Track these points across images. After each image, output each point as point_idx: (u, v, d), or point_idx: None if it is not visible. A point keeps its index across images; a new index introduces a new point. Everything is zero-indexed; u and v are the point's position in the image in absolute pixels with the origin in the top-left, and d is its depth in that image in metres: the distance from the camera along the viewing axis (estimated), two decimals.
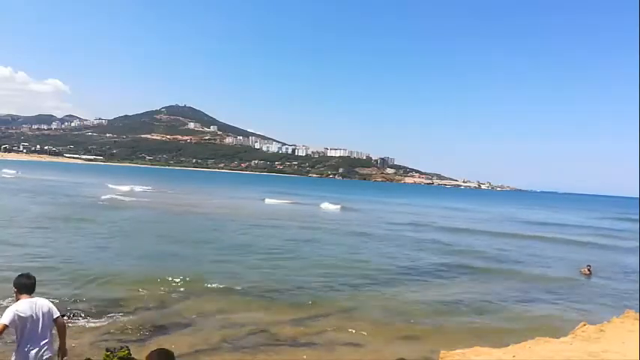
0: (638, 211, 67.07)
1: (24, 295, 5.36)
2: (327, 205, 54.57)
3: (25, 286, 5.39)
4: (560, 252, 29.07)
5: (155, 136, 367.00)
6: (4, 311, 5.30)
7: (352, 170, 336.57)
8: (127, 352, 7.88)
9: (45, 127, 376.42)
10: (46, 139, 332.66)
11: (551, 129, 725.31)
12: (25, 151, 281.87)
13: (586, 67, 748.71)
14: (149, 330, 10.21)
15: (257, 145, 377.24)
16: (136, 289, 13.25)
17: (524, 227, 45.50)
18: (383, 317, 12.55)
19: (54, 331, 5.68)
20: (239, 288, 14.44)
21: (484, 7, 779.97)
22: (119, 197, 45.81)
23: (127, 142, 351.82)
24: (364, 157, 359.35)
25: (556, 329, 11.70)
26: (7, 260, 15.37)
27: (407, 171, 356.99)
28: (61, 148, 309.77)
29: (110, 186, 59.83)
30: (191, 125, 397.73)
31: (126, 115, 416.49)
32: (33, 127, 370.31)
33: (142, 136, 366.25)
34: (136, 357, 7.69)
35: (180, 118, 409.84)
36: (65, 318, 10.31)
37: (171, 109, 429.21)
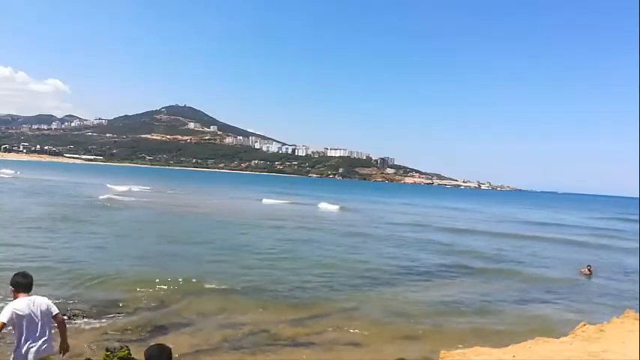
0: (638, 211, 67.11)
1: (21, 294, 5.35)
2: (325, 206, 54.53)
3: (22, 284, 5.39)
4: (560, 252, 29.07)
5: (155, 136, 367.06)
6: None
7: (352, 170, 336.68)
8: (127, 352, 7.88)
9: (45, 127, 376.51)
10: (46, 139, 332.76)
11: (551, 129, 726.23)
12: (25, 151, 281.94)
13: (586, 67, 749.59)
14: (149, 330, 10.21)
15: (257, 145, 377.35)
16: (135, 289, 13.25)
17: (524, 227, 45.50)
18: (383, 317, 12.55)
19: (54, 330, 5.69)
20: (239, 288, 14.44)
21: (484, 7, 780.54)
22: (117, 197, 45.79)
23: (127, 142, 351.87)
24: (364, 157, 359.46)
25: (556, 329, 11.71)
26: (5, 260, 15.36)
27: (407, 171, 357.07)
28: (61, 148, 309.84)
29: (108, 186, 59.83)
30: (191, 125, 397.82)
31: (126, 115, 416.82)
32: (33, 127, 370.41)
33: (142, 136, 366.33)
34: (135, 357, 7.68)
35: (180, 118, 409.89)
36: (65, 318, 10.33)
37: (171, 109, 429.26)
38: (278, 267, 18.15)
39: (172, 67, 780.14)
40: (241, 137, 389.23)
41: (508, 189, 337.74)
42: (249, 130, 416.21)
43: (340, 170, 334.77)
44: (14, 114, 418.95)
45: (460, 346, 9.39)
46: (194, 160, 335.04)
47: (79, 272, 14.73)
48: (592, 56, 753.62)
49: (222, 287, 14.30)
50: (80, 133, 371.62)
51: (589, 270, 21.43)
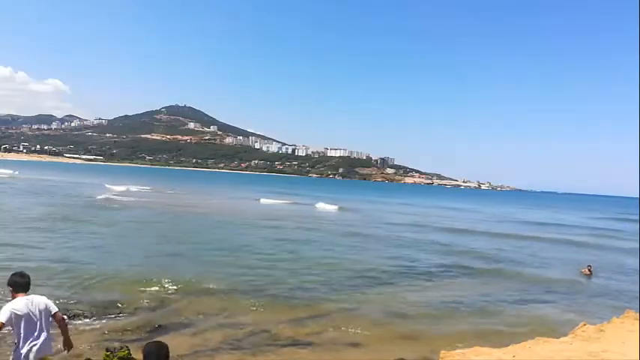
0: (638, 211, 67.12)
1: (20, 294, 5.34)
2: (325, 206, 54.48)
3: (20, 284, 5.38)
4: (560, 252, 29.07)
5: (155, 136, 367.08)
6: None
7: (352, 170, 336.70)
8: (127, 352, 7.88)
9: (45, 127, 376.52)
10: (46, 139, 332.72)
11: (551, 129, 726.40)
12: (25, 151, 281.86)
13: (586, 67, 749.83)
14: (149, 330, 10.20)
15: (257, 145, 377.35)
16: (135, 289, 13.25)
17: (523, 227, 45.50)
18: (383, 317, 12.56)
19: (53, 330, 5.68)
20: (239, 288, 14.44)
21: (484, 7, 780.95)
22: (115, 197, 45.80)
23: (127, 142, 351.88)
24: (364, 157, 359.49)
25: (556, 329, 11.71)
26: (4, 260, 15.36)
27: (407, 171, 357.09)
28: (61, 148, 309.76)
29: (107, 186, 59.86)
30: (191, 125, 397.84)
31: (126, 115, 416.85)
32: (33, 127, 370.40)
33: (142, 136, 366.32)
34: (135, 357, 7.69)
35: (180, 118, 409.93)
36: (65, 318, 10.34)
37: (171, 109, 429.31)
38: (277, 267, 18.15)
39: (172, 67, 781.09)
40: (241, 137, 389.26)
41: (508, 189, 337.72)
42: (249, 130, 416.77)
43: (340, 170, 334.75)
44: (14, 114, 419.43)
45: (460, 346, 9.39)
46: (194, 160, 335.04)
47: (79, 272, 14.73)
48: (592, 56, 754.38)
49: (222, 287, 14.30)
50: (80, 133, 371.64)
51: (589, 270, 21.43)
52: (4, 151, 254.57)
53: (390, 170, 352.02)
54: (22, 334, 5.18)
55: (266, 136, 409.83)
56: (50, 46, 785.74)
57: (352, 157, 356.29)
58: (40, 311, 5.33)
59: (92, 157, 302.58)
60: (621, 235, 43.00)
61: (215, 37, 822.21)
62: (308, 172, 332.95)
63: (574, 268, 22.62)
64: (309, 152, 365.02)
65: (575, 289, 18.20)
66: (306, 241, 25.95)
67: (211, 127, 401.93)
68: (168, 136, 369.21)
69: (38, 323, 5.29)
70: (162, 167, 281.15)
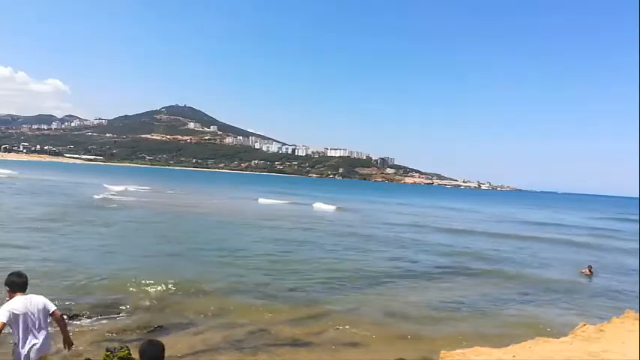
0: (638, 212, 67.12)
1: (17, 294, 5.36)
2: (324, 206, 54.45)
3: (17, 284, 5.39)
4: (561, 252, 29.06)
5: (155, 136, 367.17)
6: None
7: (352, 170, 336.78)
8: (126, 352, 7.88)
9: (45, 127, 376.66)
10: (46, 139, 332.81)
11: (551, 129, 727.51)
12: (25, 151, 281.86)
13: (586, 67, 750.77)
14: (149, 330, 10.20)
15: (257, 145, 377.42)
16: (135, 289, 13.24)
17: (524, 228, 45.49)
18: (383, 317, 12.55)
19: (52, 329, 5.69)
20: (238, 288, 14.44)
21: (484, 7, 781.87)
22: (113, 197, 45.82)
23: (127, 142, 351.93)
24: (364, 157, 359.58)
25: (556, 329, 11.72)
26: (2, 260, 15.36)
27: (407, 171, 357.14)
28: (61, 148, 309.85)
29: (105, 186, 59.90)
30: (191, 125, 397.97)
31: (126, 115, 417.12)
32: (33, 127, 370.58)
33: (142, 136, 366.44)
34: (135, 357, 7.69)
35: (180, 118, 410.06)
36: (65, 318, 10.33)
37: (171, 109, 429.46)
38: (277, 267, 18.14)
39: (172, 67, 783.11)
40: (241, 137, 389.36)
41: (508, 189, 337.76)
42: (249, 130, 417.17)
43: (340, 170, 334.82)
44: (14, 114, 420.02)
45: (460, 346, 9.39)
46: (194, 160, 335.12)
47: (78, 272, 14.73)
48: (592, 56, 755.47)
49: (222, 287, 14.30)
50: (80, 133, 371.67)
51: (590, 270, 21.42)
52: (4, 151, 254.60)
53: (390, 170, 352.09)
54: (21, 334, 5.18)
55: (266, 136, 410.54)
56: (50, 46, 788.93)
57: (352, 157, 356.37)
58: (38, 310, 5.34)
59: (92, 157, 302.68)
60: (621, 236, 42.99)
61: (215, 37, 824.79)
62: (308, 172, 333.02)
63: (574, 269, 22.61)
64: (309, 152, 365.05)
65: (575, 290, 18.19)
66: (306, 242, 25.95)
67: (211, 127, 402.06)
68: (168, 136, 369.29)
69: (37, 322, 5.30)
70: (163, 167, 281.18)
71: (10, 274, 5.49)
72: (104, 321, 10.61)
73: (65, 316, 10.28)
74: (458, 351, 8.52)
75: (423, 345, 10.51)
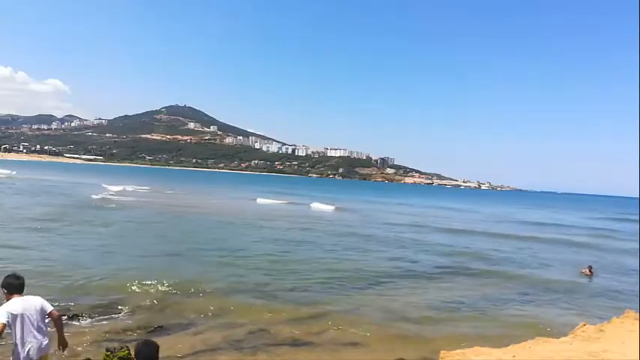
0: (638, 212, 67.13)
1: (15, 295, 5.39)
2: (324, 206, 54.42)
3: (14, 286, 5.42)
4: (560, 253, 29.06)
5: (155, 136, 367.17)
6: None
7: (352, 170, 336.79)
8: (126, 352, 7.88)
9: (45, 127, 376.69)
10: (46, 139, 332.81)
11: (551, 129, 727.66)
12: (25, 151, 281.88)
13: (586, 67, 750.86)
14: (149, 330, 10.20)
15: (257, 145, 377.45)
16: (135, 289, 13.24)
17: (524, 228, 45.49)
18: (382, 317, 12.55)
19: (50, 329, 5.70)
20: (239, 288, 14.44)
21: (484, 7, 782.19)
22: (111, 197, 45.85)
23: (127, 142, 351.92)
24: (364, 157, 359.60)
25: (556, 329, 11.72)
26: (2, 261, 15.36)
27: (407, 171, 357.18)
28: (61, 148, 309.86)
29: (104, 185, 59.92)
30: (191, 125, 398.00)
31: (126, 115, 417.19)
32: (33, 127, 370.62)
33: (142, 136, 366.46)
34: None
35: (180, 118, 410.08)
36: (65, 318, 10.34)
37: (171, 109, 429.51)
38: (276, 267, 18.14)
39: (172, 67, 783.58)
40: (241, 137, 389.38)
41: (508, 189, 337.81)
42: (249, 130, 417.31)
43: (340, 170, 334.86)
44: (14, 114, 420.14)
45: (460, 345, 9.38)
46: (194, 160, 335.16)
47: (78, 272, 14.73)
48: (592, 56, 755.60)
49: (222, 287, 14.31)
50: (80, 133, 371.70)
51: (590, 270, 21.42)
52: (4, 151, 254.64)
53: (390, 170, 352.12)
54: (19, 335, 5.21)
55: (266, 136, 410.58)
56: (50, 46, 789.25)
57: (352, 157, 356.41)
58: (36, 311, 5.37)
59: (92, 157, 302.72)
60: (621, 236, 43.00)
61: (215, 37, 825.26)
62: (308, 172, 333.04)
63: (574, 269, 22.62)
64: (309, 152, 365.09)
65: (576, 290, 18.18)
66: (305, 242, 25.95)
67: (211, 127, 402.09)
68: (168, 136, 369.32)
69: (35, 323, 5.33)
70: (163, 167, 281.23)
71: (7, 277, 5.53)
72: (104, 321, 10.61)
73: (65, 317, 10.34)
74: (458, 351, 8.52)
75: (423, 345, 10.51)
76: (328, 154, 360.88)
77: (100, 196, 45.64)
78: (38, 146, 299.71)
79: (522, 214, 69.87)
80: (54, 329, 5.74)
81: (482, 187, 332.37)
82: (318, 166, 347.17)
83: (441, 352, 8.55)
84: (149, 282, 13.87)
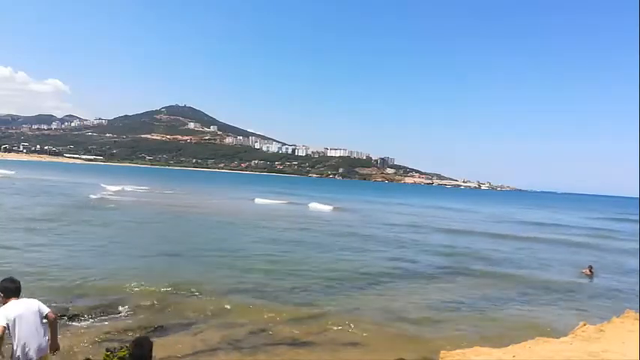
0: (638, 212, 67.12)
1: (11, 299, 5.45)
2: (324, 207, 54.39)
3: (11, 289, 5.50)
4: (560, 253, 29.06)
5: (155, 136, 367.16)
6: None
7: (352, 170, 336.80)
8: (126, 352, 7.87)
9: (45, 127, 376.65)
10: (46, 139, 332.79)
11: (551, 129, 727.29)
12: (25, 151, 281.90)
13: (586, 67, 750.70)
14: (149, 330, 10.19)
15: (257, 145, 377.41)
16: (135, 289, 13.23)
17: (524, 228, 45.49)
18: (382, 317, 12.55)
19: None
20: (238, 288, 14.44)
21: (484, 7, 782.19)
22: (110, 197, 45.87)
23: (127, 142, 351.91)
24: (364, 157, 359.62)
25: (556, 329, 11.72)
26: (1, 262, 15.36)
27: (407, 171, 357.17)
28: (61, 148, 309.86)
29: (103, 185, 59.91)
30: (191, 125, 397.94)
31: (126, 115, 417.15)
32: (33, 127, 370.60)
33: (142, 136, 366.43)
34: None
35: (180, 118, 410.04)
36: (65, 318, 10.34)
37: (171, 109, 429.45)
38: (276, 267, 18.13)
39: (172, 67, 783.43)
40: (241, 137, 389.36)
41: (508, 189, 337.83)
42: (249, 130, 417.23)
43: (340, 170, 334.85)
44: (14, 114, 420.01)
45: (460, 345, 9.38)
46: (194, 160, 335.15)
47: (77, 273, 14.73)
48: (592, 56, 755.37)
49: (222, 287, 14.30)
50: (80, 133, 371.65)
51: (590, 270, 21.42)
52: (4, 151, 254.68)
53: (390, 170, 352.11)
54: (18, 336, 5.26)
55: (266, 136, 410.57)
56: (50, 46, 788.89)
57: (352, 157, 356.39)
58: (33, 312, 5.43)
59: (92, 157, 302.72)
60: (621, 236, 43.00)
61: (215, 37, 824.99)
62: (308, 172, 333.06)
63: (574, 269, 22.61)
64: (309, 152, 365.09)
65: (576, 290, 18.18)
66: (305, 242, 25.95)
67: (211, 127, 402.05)
68: (168, 136, 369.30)
69: (33, 324, 5.38)
70: (163, 167, 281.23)
71: (3, 280, 5.59)
72: (104, 321, 10.60)
73: (65, 317, 10.35)
74: (458, 351, 8.52)
75: (423, 345, 10.51)
76: (328, 154, 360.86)
77: (98, 196, 45.66)
78: (38, 146, 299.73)
79: (522, 214, 69.87)
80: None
81: (483, 187, 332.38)
82: (318, 166, 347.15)
83: (441, 352, 8.55)
84: (149, 282, 13.87)
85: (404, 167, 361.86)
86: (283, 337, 10.49)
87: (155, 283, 13.85)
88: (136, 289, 13.24)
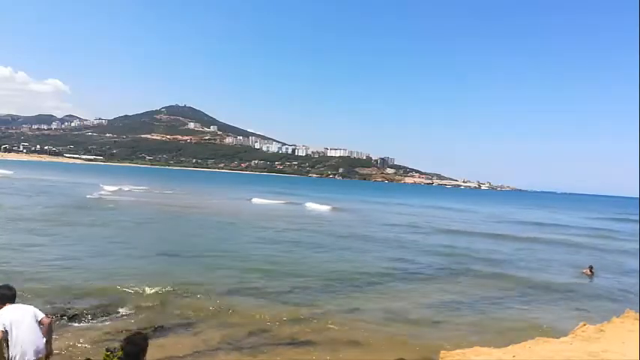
0: (638, 212, 67.12)
1: (7, 304, 5.55)
2: (322, 207, 54.34)
3: (7, 296, 5.61)
4: (560, 253, 29.07)
5: (155, 136, 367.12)
6: None
7: (352, 170, 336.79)
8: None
9: (45, 127, 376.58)
10: (46, 139, 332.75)
11: (551, 129, 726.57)
12: (25, 151, 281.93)
13: (586, 67, 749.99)
14: (149, 330, 10.18)
15: (257, 145, 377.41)
16: (135, 289, 13.22)
17: (524, 228, 45.49)
18: (382, 317, 12.55)
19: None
20: (238, 288, 14.44)
21: (484, 7, 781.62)
22: (107, 197, 45.89)
23: (127, 142, 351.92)
24: (364, 157, 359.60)
25: (556, 329, 11.71)
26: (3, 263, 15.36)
27: (407, 171, 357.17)
28: (61, 148, 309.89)
29: (101, 185, 59.96)
30: (191, 125, 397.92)
31: (126, 115, 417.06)
32: (33, 127, 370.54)
33: (142, 136, 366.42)
34: None
35: (180, 118, 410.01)
36: (65, 318, 10.35)
37: (171, 109, 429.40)
38: (276, 267, 18.12)
39: (172, 67, 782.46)
40: (241, 137, 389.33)
41: (508, 189, 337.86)
42: (249, 130, 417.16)
43: (340, 170, 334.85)
44: (14, 114, 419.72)
45: (460, 345, 9.39)
46: (194, 160, 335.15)
47: (77, 273, 14.75)
48: (592, 56, 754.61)
49: (222, 287, 14.30)
50: (80, 133, 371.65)
51: (590, 271, 21.42)
52: (4, 151, 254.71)
53: (390, 170, 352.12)
54: (13, 341, 5.31)
55: (266, 136, 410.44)
56: (50, 46, 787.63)
57: (352, 157, 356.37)
58: (30, 316, 5.51)
59: (92, 157, 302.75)
60: (621, 236, 42.99)
61: (215, 37, 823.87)
62: (308, 172, 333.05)
63: (574, 269, 22.62)
64: (309, 152, 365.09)
65: (576, 290, 18.19)
66: (306, 242, 25.95)
67: (211, 127, 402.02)
68: (168, 136, 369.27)
69: (30, 327, 5.45)
70: (163, 167, 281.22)
71: (0, 287, 5.69)
72: (104, 321, 10.61)
73: (65, 317, 10.35)
74: (458, 351, 8.53)
75: (423, 345, 10.51)
76: (328, 154, 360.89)
77: (97, 196, 45.67)
78: (38, 146, 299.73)
79: (522, 214, 69.87)
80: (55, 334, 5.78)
81: (482, 187, 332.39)
82: (318, 166, 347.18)
83: (441, 352, 8.56)
84: (149, 282, 13.85)
85: (404, 167, 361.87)
86: (283, 337, 10.49)
87: (155, 283, 13.84)
88: (136, 289, 13.24)
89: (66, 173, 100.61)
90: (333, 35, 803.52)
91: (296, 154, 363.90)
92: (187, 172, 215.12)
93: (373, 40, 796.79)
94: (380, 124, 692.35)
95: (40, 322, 5.58)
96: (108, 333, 9.89)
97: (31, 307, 5.71)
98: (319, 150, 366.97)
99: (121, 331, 10.03)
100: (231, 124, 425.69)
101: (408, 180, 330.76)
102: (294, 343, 10.20)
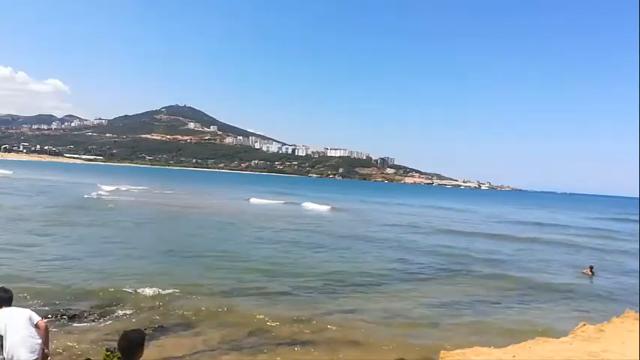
0: (638, 212, 67.10)
1: (3, 307, 5.55)
2: (322, 207, 54.34)
3: (4, 299, 5.61)
4: (561, 253, 29.06)
5: (155, 136, 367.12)
6: None
7: (352, 170, 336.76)
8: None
9: (45, 127, 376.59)
10: (46, 139, 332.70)
11: (551, 129, 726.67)
12: (25, 151, 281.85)
13: (586, 67, 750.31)
14: (149, 330, 10.18)
15: (257, 145, 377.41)
16: (135, 289, 13.22)
17: (523, 228, 45.48)
18: (383, 317, 12.55)
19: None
20: (238, 288, 14.45)
21: (484, 7, 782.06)
22: (106, 197, 45.91)
23: (127, 142, 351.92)
24: (364, 157, 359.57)
25: (556, 329, 11.71)
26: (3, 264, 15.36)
27: (407, 171, 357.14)
28: (61, 148, 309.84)
29: (99, 185, 59.98)
30: (191, 125, 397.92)
31: (126, 115, 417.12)
32: (33, 127, 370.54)
33: (142, 136, 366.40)
34: None
35: (180, 118, 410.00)
36: (65, 319, 10.35)
37: (171, 109, 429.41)
38: (276, 267, 18.13)
39: (172, 67, 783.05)
40: (241, 137, 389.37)
41: (508, 189, 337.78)
42: (249, 130, 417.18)
43: (340, 170, 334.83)
44: (14, 114, 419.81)
45: (460, 345, 9.38)
46: (194, 160, 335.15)
47: (77, 273, 14.76)
48: (592, 56, 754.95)
49: (222, 287, 14.31)
50: (80, 133, 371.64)
51: (591, 271, 21.41)
52: (4, 151, 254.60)
53: (390, 170, 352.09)
54: (8, 344, 5.31)
55: (266, 136, 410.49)
56: (50, 46, 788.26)
57: (352, 157, 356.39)
58: (25, 319, 5.51)
59: (92, 157, 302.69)
60: (621, 236, 42.98)
61: (215, 37, 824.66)
62: (308, 172, 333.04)
63: (574, 269, 22.62)
64: (309, 152, 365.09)
65: (576, 290, 18.18)
66: (305, 243, 25.94)
67: (211, 127, 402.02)
68: (168, 136, 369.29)
69: (25, 329, 5.44)
70: (163, 167, 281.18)
71: None
72: (104, 321, 10.61)
73: (65, 317, 10.35)
74: (458, 351, 8.52)
75: (423, 345, 10.51)
76: (328, 154, 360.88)
77: (96, 196, 45.68)
78: (38, 146, 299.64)
79: (522, 214, 69.85)
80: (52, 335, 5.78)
81: (483, 187, 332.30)
82: (318, 166, 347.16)
83: (441, 352, 8.55)
84: (149, 282, 13.86)
85: (404, 167, 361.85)
86: (283, 337, 10.49)
87: (155, 283, 13.84)
88: (136, 289, 13.23)
89: (66, 173, 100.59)
90: (333, 35, 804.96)
91: (296, 154, 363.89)
92: (187, 172, 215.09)
93: (373, 40, 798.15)
94: (380, 124, 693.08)
95: (36, 326, 5.58)
96: (108, 333, 9.89)
97: (27, 310, 5.71)
98: (319, 150, 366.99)
99: (121, 331, 10.03)
100: (231, 124, 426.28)
101: (408, 180, 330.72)
102: (294, 343, 10.20)
